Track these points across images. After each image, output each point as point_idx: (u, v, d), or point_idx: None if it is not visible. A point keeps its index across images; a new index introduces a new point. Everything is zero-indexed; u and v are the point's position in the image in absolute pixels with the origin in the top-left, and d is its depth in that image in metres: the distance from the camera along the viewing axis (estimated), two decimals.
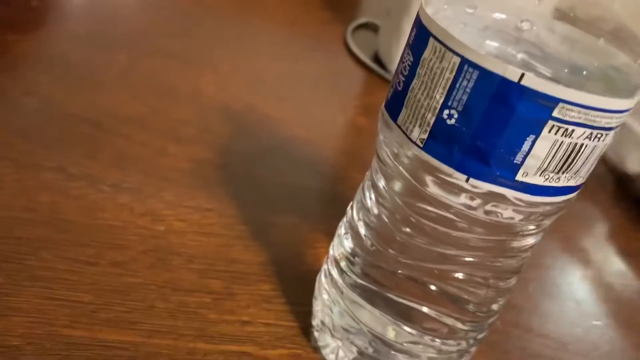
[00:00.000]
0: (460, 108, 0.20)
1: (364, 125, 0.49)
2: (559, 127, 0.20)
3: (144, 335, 0.28)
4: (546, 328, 0.35)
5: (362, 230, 0.26)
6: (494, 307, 0.26)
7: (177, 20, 0.57)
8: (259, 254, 0.33)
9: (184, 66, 0.49)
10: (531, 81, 0.19)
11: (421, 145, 0.22)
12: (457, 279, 0.25)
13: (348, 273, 0.27)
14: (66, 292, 0.28)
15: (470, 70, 0.20)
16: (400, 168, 0.23)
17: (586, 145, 0.20)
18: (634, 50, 0.22)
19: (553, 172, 0.21)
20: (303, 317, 0.30)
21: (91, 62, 0.46)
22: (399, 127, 0.23)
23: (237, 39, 0.56)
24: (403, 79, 0.22)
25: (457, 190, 0.22)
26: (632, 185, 0.46)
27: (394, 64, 0.56)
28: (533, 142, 0.20)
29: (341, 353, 0.28)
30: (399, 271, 0.25)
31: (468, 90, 0.20)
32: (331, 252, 0.28)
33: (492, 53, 0.20)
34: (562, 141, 0.20)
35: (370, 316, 0.26)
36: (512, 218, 0.22)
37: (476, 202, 0.22)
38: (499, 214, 0.22)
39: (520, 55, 0.22)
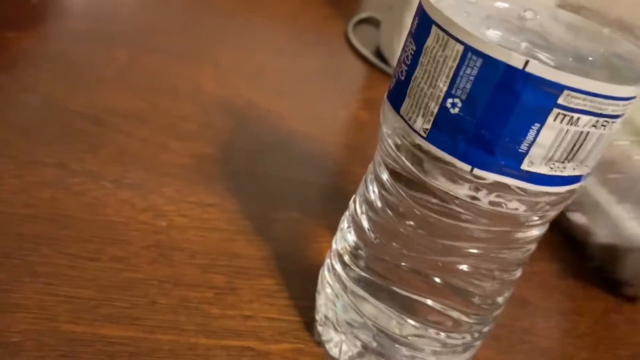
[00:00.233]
0: (464, 97, 0.20)
1: (366, 119, 0.49)
2: (565, 115, 0.19)
3: (146, 330, 0.27)
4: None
5: (366, 223, 0.26)
6: (499, 299, 0.26)
7: (176, 16, 0.57)
8: (262, 248, 0.33)
9: (184, 62, 0.49)
10: (536, 68, 0.19)
11: (424, 136, 0.21)
12: (461, 271, 0.24)
13: (351, 267, 0.26)
14: (67, 288, 0.28)
15: (474, 58, 0.19)
16: (404, 159, 0.23)
17: (592, 134, 0.20)
18: (639, 37, 0.22)
19: (559, 161, 0.21)
20: (306, 312, 0.30)
21: (91, 59, 0.46)
22: (402, 117, 0.22)
23: (237, 34, 0.56)
24: (405, 68, 0.22)
25: (462, 180, 0.22)
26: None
27: (395, 59, 0.56)
28: (538, 131, 0.20)
29: (345, 347, 0.27)
30: (403, 264, 0.25)
31: (472, 78, 0.20)
32: (334, 246, 0.28)
33: (495, 42, 0.20)
34: (568, 129, 0.20)
35: (374, 310, 0.26)
36: (517, 209, 0.22)
37: (481, 193, 0.22)
38: (503, 205, 0.22)
39: (523, 44, 0.22)
